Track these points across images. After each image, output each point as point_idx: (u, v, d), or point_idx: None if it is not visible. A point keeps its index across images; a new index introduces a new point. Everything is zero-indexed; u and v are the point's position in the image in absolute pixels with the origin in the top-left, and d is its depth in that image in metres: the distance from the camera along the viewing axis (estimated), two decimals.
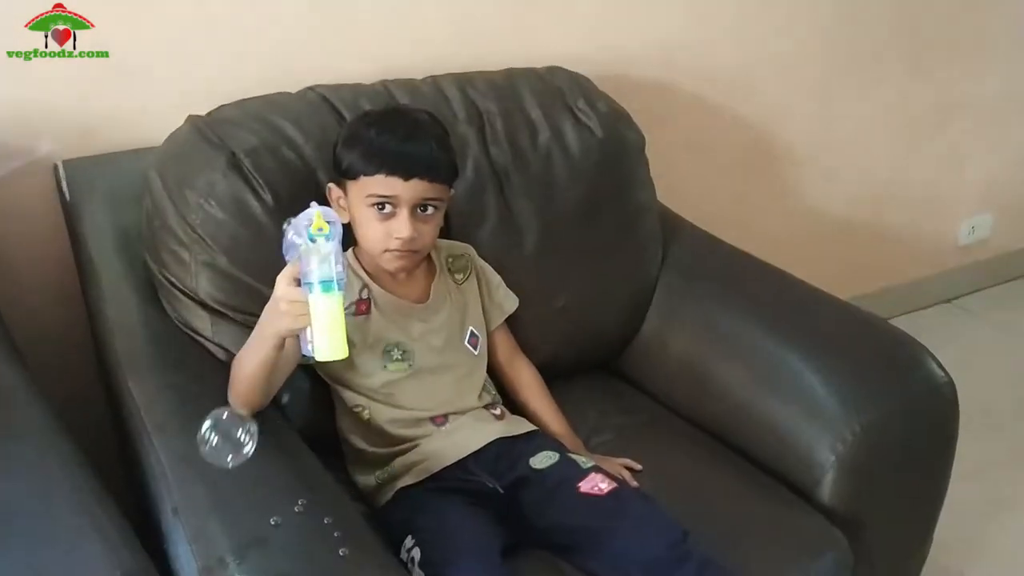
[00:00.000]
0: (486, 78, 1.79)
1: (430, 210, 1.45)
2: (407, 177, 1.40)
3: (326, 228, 1.20)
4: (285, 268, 1.25)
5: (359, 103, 1.63)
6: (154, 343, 1.48)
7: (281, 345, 1.29)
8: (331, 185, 1.49)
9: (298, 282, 1.22)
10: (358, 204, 1.44)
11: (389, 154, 1.41)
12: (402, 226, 1.42)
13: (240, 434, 1.17)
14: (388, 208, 1.42)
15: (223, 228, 1.47)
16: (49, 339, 1.70)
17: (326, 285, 1.19)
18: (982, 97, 2.88)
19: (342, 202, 1.47)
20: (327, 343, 1.20)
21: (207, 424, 1.16)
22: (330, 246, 1.20)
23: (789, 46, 2.42)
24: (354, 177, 1.43)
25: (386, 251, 1.45)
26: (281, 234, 1.28)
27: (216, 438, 1.16)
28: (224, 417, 1.18)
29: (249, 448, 1.17)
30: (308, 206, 1.24)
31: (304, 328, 1.23)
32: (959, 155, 2.93)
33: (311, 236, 1.20)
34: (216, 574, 1.08)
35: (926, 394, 1.55)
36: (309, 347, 1.24)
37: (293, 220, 1.25)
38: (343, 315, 1.21)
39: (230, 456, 1.16)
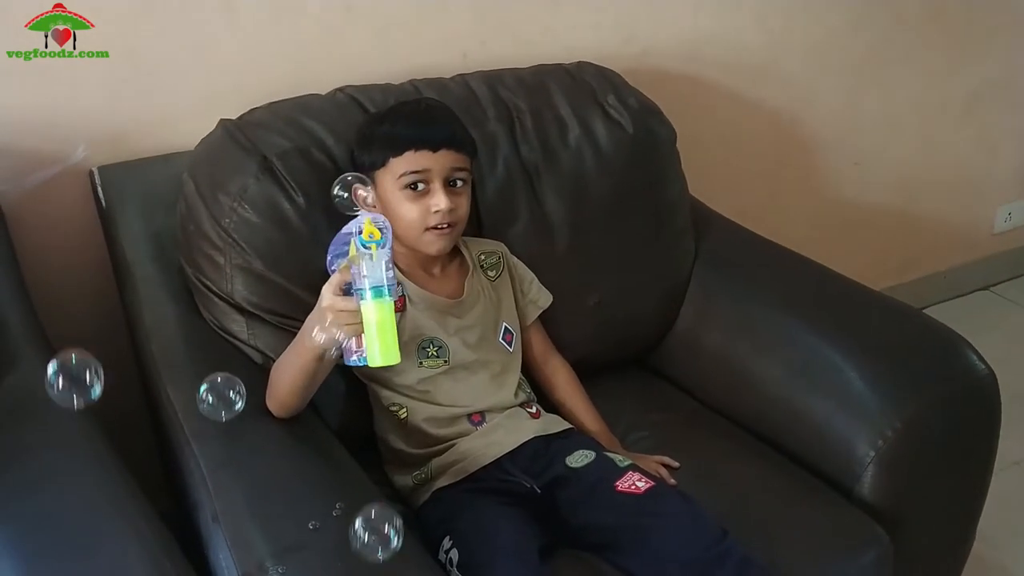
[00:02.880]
0: (515, 75, 1.79)
1: (459, 183, 1.48)
2: (435, 148, 1.43)
3: (377, 235, 1.20)
4: (331, 278, 1.24)
5: (388, 103, 1.62)
6: (191, 347, 1.48)
7: (323, 355, 1.29)
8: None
9: (344, 291, 1.22)
10: (391, 190, 1.44)
11: (412, 133, 1.43)
12: (439, 198, 1.43)
13: (232, 394, 1.17)
14: (421, 186, 1.43)
15: (257, 231, 1.47)
16: (88, 346, 1.70)
17: (377, 291, 1.19)
18: (1016, 80, 2.83)
19: (370, 199, 1.47)
20: (379, 349, 1.19)
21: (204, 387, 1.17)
22: (382, 253, 1.20)
23: (817, 32, 2.39)
24: (383, 164, 1.44)
25: (426, 230, 1.45)
26: (325, 247, 1.28)
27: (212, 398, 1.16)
28: (219, 380, 1.17)
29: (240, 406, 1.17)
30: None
31: (353, 338, 1.24)
32: (993, 140, 2.89)
33: (363, 243, 1.20)
34: None
35: (967, 388, 1.53)
36: (355, 357, 1.25)
37: (341, 230, 1.25)
38: (394, 321, 1.20)
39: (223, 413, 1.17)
